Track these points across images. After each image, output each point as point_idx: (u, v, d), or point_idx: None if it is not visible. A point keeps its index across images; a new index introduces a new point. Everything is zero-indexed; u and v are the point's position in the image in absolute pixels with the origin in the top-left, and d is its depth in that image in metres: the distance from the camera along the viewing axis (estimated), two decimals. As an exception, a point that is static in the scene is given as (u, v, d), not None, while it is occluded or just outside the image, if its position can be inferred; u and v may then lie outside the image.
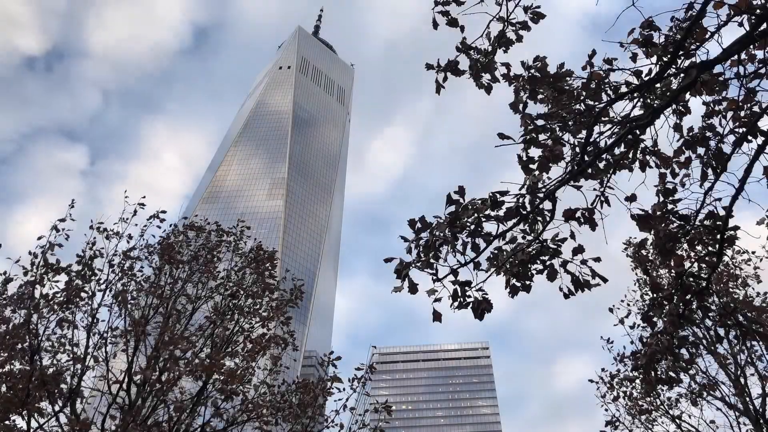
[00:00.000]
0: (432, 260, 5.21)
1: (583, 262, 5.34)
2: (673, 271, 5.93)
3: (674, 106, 5.99)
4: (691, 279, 5.67)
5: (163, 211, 14.05)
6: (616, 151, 5.79)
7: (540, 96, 6.03)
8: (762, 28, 5.07)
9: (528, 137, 5.74)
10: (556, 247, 5.35)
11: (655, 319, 5.91)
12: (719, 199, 5.61)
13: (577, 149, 5.69)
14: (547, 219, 5.36)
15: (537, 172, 5.53)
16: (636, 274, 16.71)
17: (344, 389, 12.36)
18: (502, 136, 5.59)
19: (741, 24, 5.35)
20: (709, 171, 5.77)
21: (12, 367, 11.13)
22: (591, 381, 16.62)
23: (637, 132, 5.63)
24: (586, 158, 5.54)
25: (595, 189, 5.65)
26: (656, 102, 5.94)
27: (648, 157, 6.01)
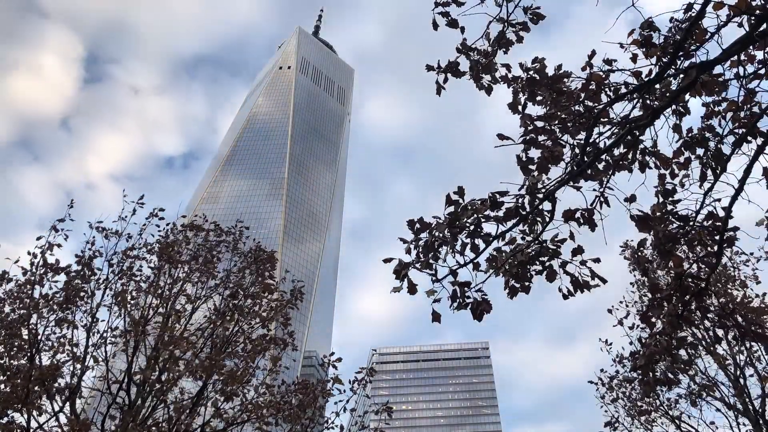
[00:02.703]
0: (431, 261, 5.21)
1: (583, 262, 5.33)
2: (672, 271, 5.93)
3: (674, 107, 5.99)
4: (690, 280, 5.67)
5: (162, 209, 14.06)
6: (616, 151, 5.79)
7: (539, 98, 6.03)
8: (761, 28, 5.06)
9: (527, 138, 5.74)
10: (555, 247, 5.34)
11: (654, 319, 5.91)
12: (719, 200, 5.61)
13: (577, 150, 5.69)
14: (547, 220, 5.35)
15: (536, 173, 5.53)
16: (634, 275, 16.69)
17: (344, 391, 12.37)
18: (501, 136, 5.59)
19: (741, 25, 5.35)
20: (709, 172, 5.76)
21: (11, 363, 11.14)
22: (590, 382, 16.60)
23: (637, 133, 5.63)
24: (586, 159, 5.54)
25: (594, 190, 5.65)
26: (656, 103, 5.94)
27: (647, 158, 6.01)
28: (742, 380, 14.36)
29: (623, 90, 5.83)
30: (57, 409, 11.40)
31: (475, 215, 5.17)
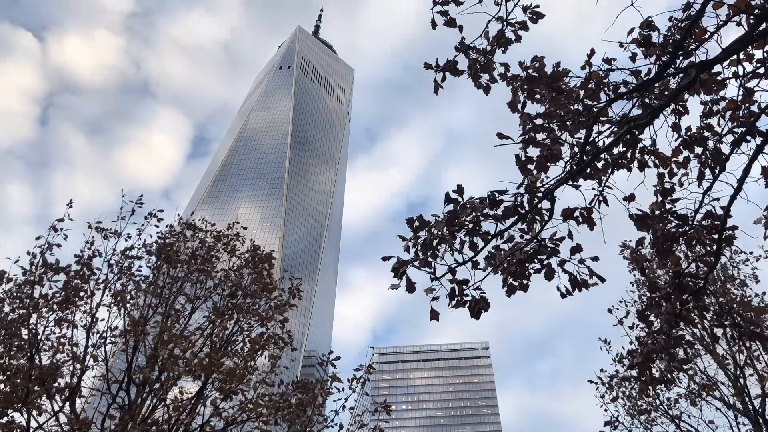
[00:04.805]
0: (430, 259, 5.21)
1: (581, 261, 5.33)
2: (670, 270, 5.93)
3: (673, 106, 5.99)
4: (689, 279, 5.67)
5: (161, 210, 14.08)
6: (615, 150, 5.79)
7: (537, 96, 6.03)
8: (761, 28, 5.06)
9: (527, 137, 5.74)
10: (554, 246, 5.34)
11: (652, 318, 5.91)
12: (717, 199, 5.60)
13: (576, 149, 5.69)
14: (546, 218, 5.35)
15: (535, 172, 5.53)
16: (634, 275, 16.69)
17: (343, 389, 12.35)
18: (500, 135, 5.59)
19: (740, 24, 5.35)
20: (708, 171, 5.76)
21: (11, 363, 11.13)
22: (590, 381, 16.58)
23: (636, 132, 5.63)
24: (585, 158, 5.54)
25: (593, 188, 5.65)
26: (655, 102, 5.94)
27: (647, 157, 6.01)
28: (741, 380, 14.36)
29: (622, 89, 5.83)
30: (57, 408, 11.39)
31: (474, 213, 5.17)
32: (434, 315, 5.27)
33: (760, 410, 13.93)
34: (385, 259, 5.19)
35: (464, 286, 5.26)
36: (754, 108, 5.64)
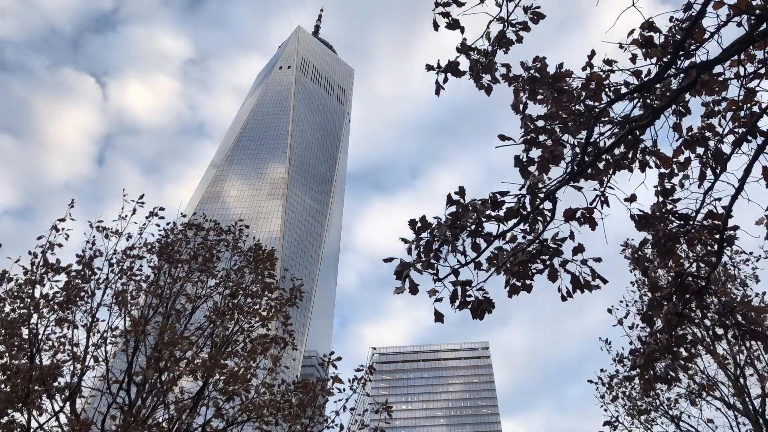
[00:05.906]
0: (432, 260, 5.20)
1: (584, 262, 5.33)
2: (672, 270, 5.95)
3: (674, 107, 6.00)
4: (690, 279, 5.68)
5: (162, 209, 14.08)
6: (616, 151, 5.80)
7: (539, 97, 6.04)
8: (761, 28, 5.07)
9: (528, 138, 5.74)
10: (556, 246, 5.35)
11: (654, 318, 5.91)
12: (719, 199, 5.61)
13: (577, 150, 5.69)
14: (548, 219, 5.36)
15: (537, 173, 5.54)
16: (635, 275, 16.71)
17: (344, 389, 12.36)
18: (502, 137, 5.60)
19: (740, 24, 5.36)
20: (709, 171, 5.77)
21: (11, 363, 11.14)
22: (590, 381, 16.60)
23: (637, 132, 5.64)
24: (586, 159, 5.55)
25: (595, 189, 5.65)
26: (656, 102, 5.95)
27: (648, 158, 6.02)
28: (742, 380, 14.37)
29: (624, 90, 5.84)
30: (57, 408, 11.40)
31: (476, 215, 5.18)
32: (438, 317, 5.27)
33: (760, 410, 13.95)
34: (387, 260, 5.19)
35: (467, 287, 5.26)
36: (756, 108, 5.65)
